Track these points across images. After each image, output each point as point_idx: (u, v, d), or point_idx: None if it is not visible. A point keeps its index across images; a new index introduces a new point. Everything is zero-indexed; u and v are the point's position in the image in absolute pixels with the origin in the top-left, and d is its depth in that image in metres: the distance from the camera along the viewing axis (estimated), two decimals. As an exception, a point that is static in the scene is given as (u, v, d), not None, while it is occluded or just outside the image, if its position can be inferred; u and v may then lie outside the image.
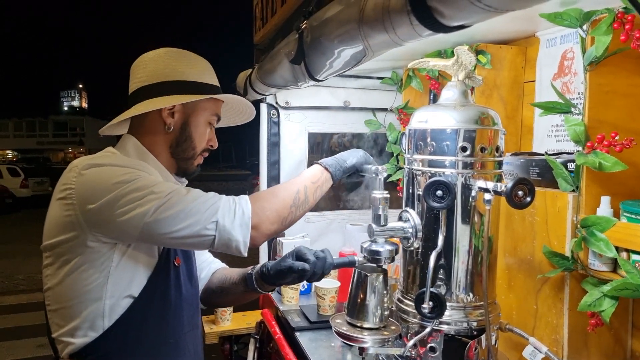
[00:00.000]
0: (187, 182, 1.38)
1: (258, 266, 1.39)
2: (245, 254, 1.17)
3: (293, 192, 1.24)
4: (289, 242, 2.24)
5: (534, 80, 1.65)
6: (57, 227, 1.15)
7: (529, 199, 1.05)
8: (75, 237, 1.13)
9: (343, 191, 2.61)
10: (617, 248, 1.16)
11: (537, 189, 1.07)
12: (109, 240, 1.15)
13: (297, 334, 1.88)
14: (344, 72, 1.30)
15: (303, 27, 1.27)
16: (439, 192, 1.15)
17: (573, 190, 1.28)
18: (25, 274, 7.80)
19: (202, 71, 1.31)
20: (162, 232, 1.11)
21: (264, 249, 2.55)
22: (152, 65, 1.28)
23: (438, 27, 0.76)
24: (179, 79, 1.27)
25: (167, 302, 1.25)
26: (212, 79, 1.33)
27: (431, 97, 1.96)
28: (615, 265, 1.21)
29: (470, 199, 1.18)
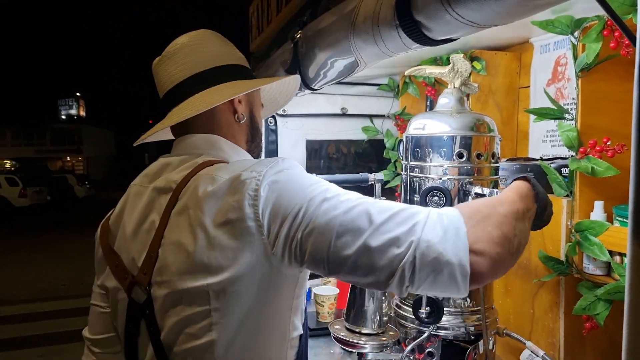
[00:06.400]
0: None
1: None
2: (466, 288, 0.75)
3: (512, 210, 0.85)
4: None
5: (529, 86, 1.67)
6: (226, 261, 0.82)
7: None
8: (261, 269, 0.83)
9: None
10: (610, 252, 1.17)
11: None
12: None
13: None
14: (339, 81, 1.32)
15: (298, 37, 1.28)
16: (436, 199, 1.17)
17: (567, 195, 1.29)
18: (24, 284, 7.78)
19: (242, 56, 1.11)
20: (341, 258, 0.78)
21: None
22: (206, 47, 1.03)
23: (425, 40, 0.78)
24: (240, 62, 1.07)
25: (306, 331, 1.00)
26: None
27: (428, 103, 1.98)
28: (609, 268, 1.22)
29: (466, 205, 1.19)
